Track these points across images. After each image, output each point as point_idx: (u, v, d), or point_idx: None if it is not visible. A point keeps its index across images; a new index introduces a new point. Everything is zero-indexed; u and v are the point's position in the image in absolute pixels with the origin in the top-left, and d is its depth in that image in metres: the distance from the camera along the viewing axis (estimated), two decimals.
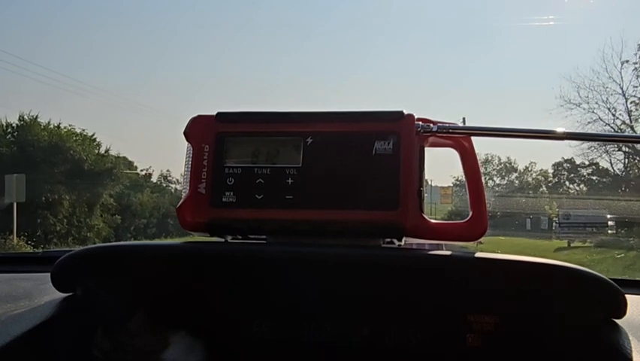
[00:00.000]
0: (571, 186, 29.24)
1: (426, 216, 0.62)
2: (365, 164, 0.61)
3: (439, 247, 0.71)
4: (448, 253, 0.60)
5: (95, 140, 15.43)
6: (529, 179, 32.26)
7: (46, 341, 0.58)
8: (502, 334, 0.62)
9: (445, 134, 0.64)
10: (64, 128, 14.65)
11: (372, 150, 0.61)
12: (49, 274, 0.62)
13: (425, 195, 0.64)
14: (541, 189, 29.85)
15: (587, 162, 26.96)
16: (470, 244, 0.69)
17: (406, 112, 0.62)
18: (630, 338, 0.55)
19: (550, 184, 29.89)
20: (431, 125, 0.63)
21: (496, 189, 30.43)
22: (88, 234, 14.64)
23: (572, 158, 27.74)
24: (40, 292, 0.71)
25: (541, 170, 31.52)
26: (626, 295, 0.57)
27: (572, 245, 15.58)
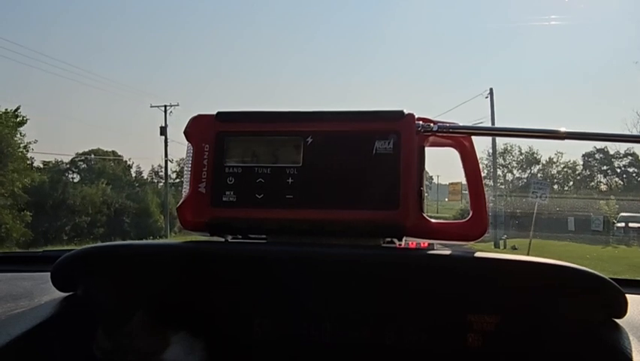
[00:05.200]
0: (603, 179, 26.14)
1: (426, 216, 0.62)
2: (365, 163, 0.61)
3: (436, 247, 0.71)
4: (449, 252, 0.60)
5: None
6: (554, 171, 28.10)
7: (46, 340, 0.58)
8: (502, 333, 0.61)
9: (445, 134, 0.64)
10: None
11: (373, 150, 0.61)
12: (49, 274, 0.62)
13: (426, 194, 0.64)
14: (570, 183, 26.62)
15: (622, 152, 23.92)
16: (470, 244, 0.69)
17: (406, 111, 0.62)
18: (631, 337, 0.55)
19: (579, 177, 26.58)
20: (431, 124, 0.63)
21: (516, 183, 26.82)
22: None
23: (605, 147, 24.42)
24: (41, 292, 0.71)
25: (568, 161, 27.74)
26: (627, 295, 0.57)
27: None
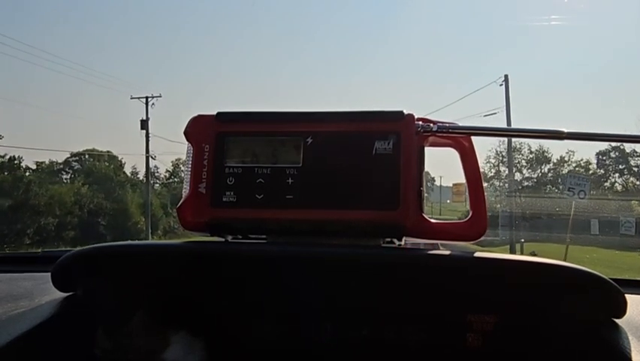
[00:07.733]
0: (619, 179, 24.71)
1: (426, 216, 0.62)
2: (365, 164, 0.61)
3: (435, 247, 0.71)
4: (448, 252, 0.60)
5: None
6: (566, 171, 25.49)
7: (46, 340, 0.58)
8: (502, 333, 0.62)
9: (445, 134, 0.64)
10: None
11: (373, 150, 0.61)
12: (49, 274, 0.62)
13: (427, 195, 0.64)
14: None
15: (638, 151, 22.48)
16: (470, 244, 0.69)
17: (406, 112, 0.62)
18: (630, 337, 0.55)
19: (592, 177, 23.79)
20: (431, 124, 0.63)
21: (525, 183, 25.12)
22: None
23: (621, 145, 22.29)
24: (41, 292, 0.71)
25: (581, 160, 25.79)
26: (626, 295, 0.57)
27: None
